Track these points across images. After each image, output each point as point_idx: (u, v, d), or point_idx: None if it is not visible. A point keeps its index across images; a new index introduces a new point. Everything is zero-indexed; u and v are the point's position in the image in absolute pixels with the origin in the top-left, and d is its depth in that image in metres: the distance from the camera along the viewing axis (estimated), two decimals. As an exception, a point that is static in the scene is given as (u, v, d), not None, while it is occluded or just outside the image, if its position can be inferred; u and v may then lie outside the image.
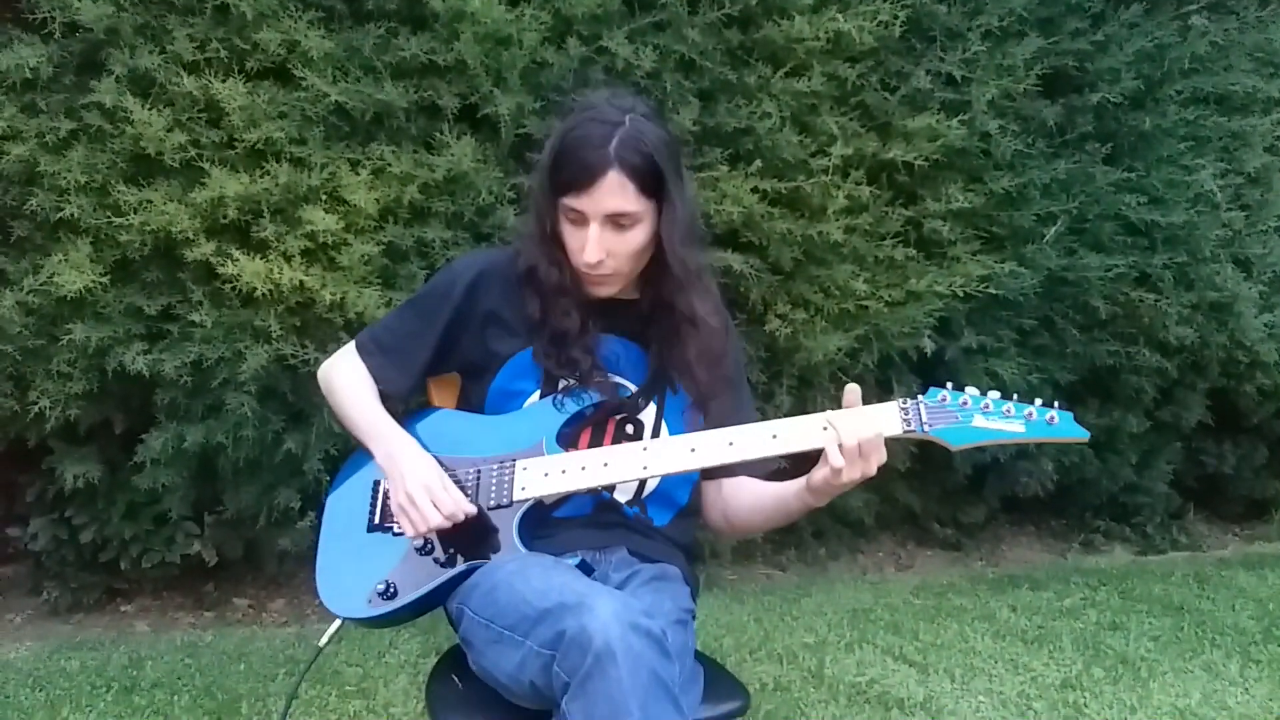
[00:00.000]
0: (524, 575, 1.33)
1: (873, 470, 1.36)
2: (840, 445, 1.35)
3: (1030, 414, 1.38)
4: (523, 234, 1.57)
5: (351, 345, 1.63)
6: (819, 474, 1.40)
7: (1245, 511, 4.27)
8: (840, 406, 1.40)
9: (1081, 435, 1.37)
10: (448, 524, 1.42)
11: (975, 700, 2.50)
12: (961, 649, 2.83)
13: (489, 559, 1.43)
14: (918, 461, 3.38)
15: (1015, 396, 1.40)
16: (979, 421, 1.38)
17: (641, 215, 1.45)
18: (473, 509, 1.43)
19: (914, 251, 3.05)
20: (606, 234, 1.44)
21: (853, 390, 1.40)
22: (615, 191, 1.42)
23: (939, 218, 3.05)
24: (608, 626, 1.18)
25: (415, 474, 1.44)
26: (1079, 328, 3.39)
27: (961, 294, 3.03)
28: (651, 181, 1.44)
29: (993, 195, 3.11)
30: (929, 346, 3.06)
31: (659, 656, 1.19)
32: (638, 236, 1.46)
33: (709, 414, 1.57)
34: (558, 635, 1.21)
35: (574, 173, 1.42)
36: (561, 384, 1.54)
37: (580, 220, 1.45)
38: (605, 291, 1.52)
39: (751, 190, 2.79)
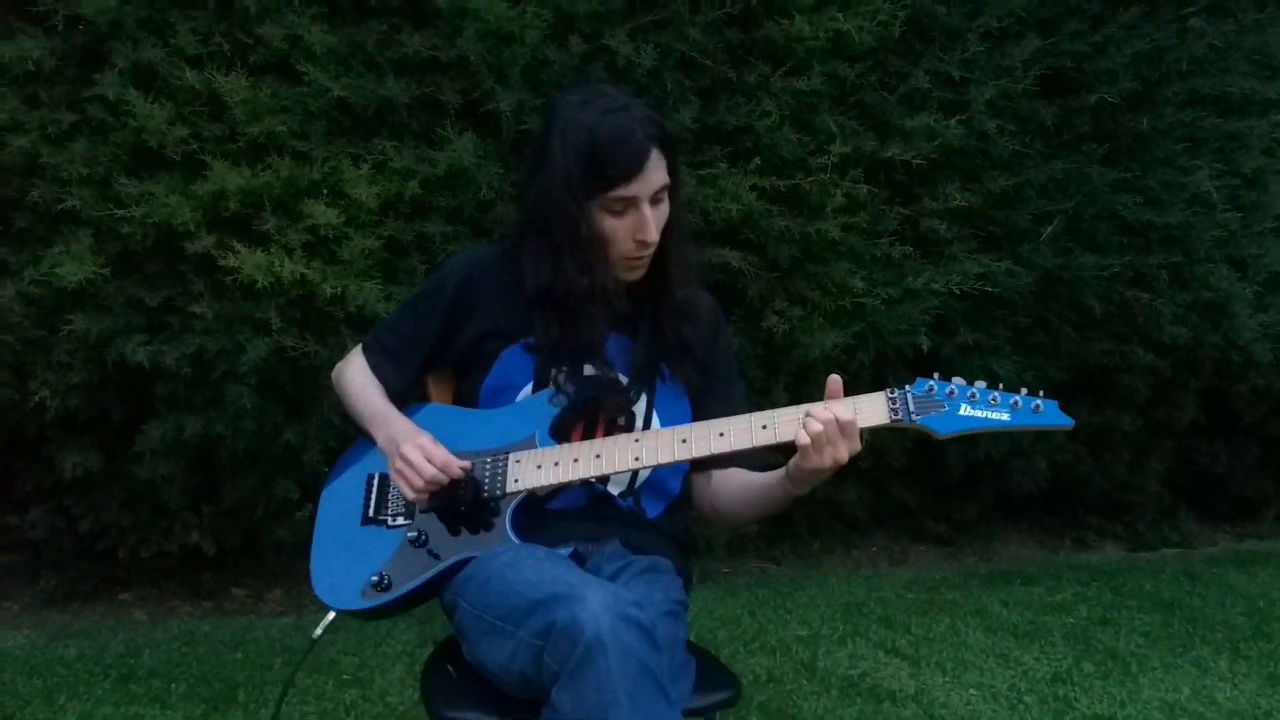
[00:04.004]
0: (516, 567, 1.35)
1: (843, 456, 1.37)
2: (807, 427, 1.37)
3: (1015, 403, 1.39)
4: (527, 252, 1.54)
5: (359, 346, 1.67)
6: (794, 459, 1.42)
7: (1236, 510, 4.28)
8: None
9: (1066, 423, 1.38)
10: (443, 478, 1.46)
11: (966, 693, 2.53)
12: (953, 643, 2.85)
13: (481, 541, 1.46)
14: (912, 458, 3.40)
15: (1001, 386, 1.41)
16: (965, 410, 1.39)
17: (671, 186, 1.53)
18: (467, 464, 1.47)
19: (911, 250, 3.06)
20: (655, 212, 1.51)
21: (834, 380, 1.42)
22: (658, 168, 1.49)
23: (936, 216, 3.07)
24: (598, 617, 1.19)
25: (409, 438, 1.49)
26: (1074, 326, 3.41)
27: (958, 292, 3.05)
28: (673, 152, 1.52)
29: (990, 195, 3.12)
30: (925, 344, 3.08)
31: (648, 648, 1.21)
32: (669, 207, 1.54)
33: (702, 406, 1.60)
34: (548, 626, 1.23)
35: (623, 163, 1.46)
36: (553, 378, 1.56)
37: (628, 207, 1.49)
38: (638, 274, 1.56)
39: (750, 188, 2.81)
